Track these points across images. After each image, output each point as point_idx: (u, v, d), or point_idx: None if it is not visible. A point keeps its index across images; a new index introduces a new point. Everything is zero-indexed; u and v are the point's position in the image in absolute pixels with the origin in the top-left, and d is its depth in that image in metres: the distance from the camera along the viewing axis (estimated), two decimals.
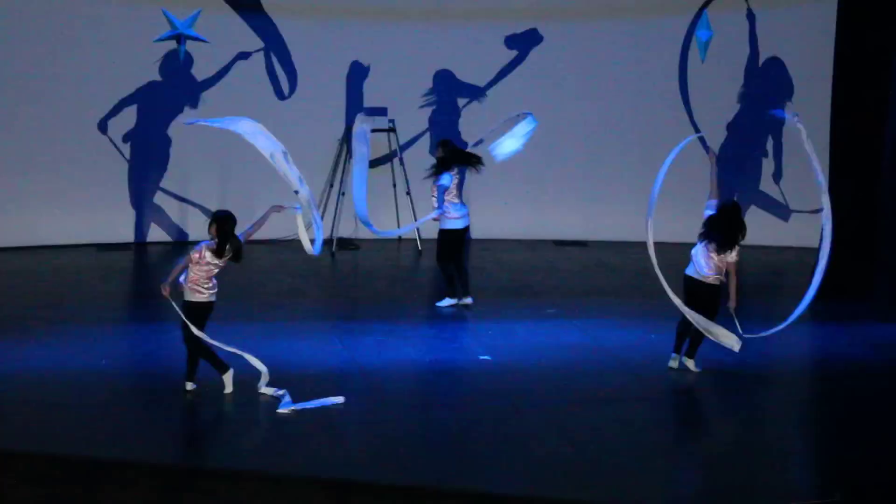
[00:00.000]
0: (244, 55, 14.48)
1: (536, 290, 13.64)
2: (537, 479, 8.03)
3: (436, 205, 12.48)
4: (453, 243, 12.63)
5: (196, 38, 12.44)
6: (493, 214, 15.94)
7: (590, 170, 16.00)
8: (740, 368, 10.48)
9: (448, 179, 12.48)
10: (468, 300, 12.61)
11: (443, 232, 12.65)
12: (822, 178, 10.58)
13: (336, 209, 15.45)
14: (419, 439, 8.94)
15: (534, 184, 15.93)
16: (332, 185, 15.65)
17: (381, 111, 15.25)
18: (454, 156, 12.61)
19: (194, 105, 14.71)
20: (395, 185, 15.67)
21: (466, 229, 12.75)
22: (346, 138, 15.42)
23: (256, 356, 10.25)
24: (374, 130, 15.57)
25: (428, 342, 11.39)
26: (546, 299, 13.03)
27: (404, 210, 15.52)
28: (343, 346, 11.07)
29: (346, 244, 15.57)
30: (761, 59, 15.52)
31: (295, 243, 15.36)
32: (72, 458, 8.29)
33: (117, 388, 9.86)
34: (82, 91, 14.65)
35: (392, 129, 15.56)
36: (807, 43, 14.93)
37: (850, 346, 11.36)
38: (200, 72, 14.88)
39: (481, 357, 10.85)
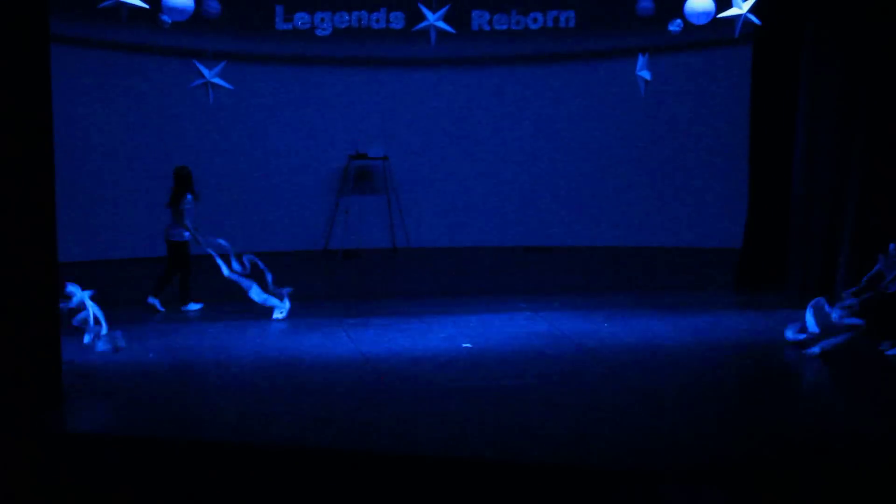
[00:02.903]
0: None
1: (510, 289, 13.56)
2: (514, 445, 8.01)
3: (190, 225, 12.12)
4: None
5: (222, 86, 12.50)
6: (471, 225, 16.08)
7: (555, 186, 16.12)
8: (679, 349, 10.52)
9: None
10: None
11: (183, 244, 12.21)
12: None
13: (343, 225, 15.61)
14: (414, 414, 8.81)
15: (505, 196, 16.10)
16: (337, 205, 15.75)
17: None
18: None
19: None
20: (389, 205, 15.83)
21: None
22: (349, 167, 15.53)
23: (278, 347, 10.51)
24: (373, 158, 15.75)
25: (419, 333, 11.24)
26: (518, 296, 12.98)
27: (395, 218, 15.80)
28: (348, 338, 11.03)
29: (351, 254, 15.65)
30: (693, 93, 15.65)
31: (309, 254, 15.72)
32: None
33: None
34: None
35: (385, 158, 15.69)
36: (729, 77, 15.07)
37: (766, 331, 11.31)
38: (225, 111, 15.02)
39: (464, 345, 10.81)
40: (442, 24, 12.09)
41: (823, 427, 8.42)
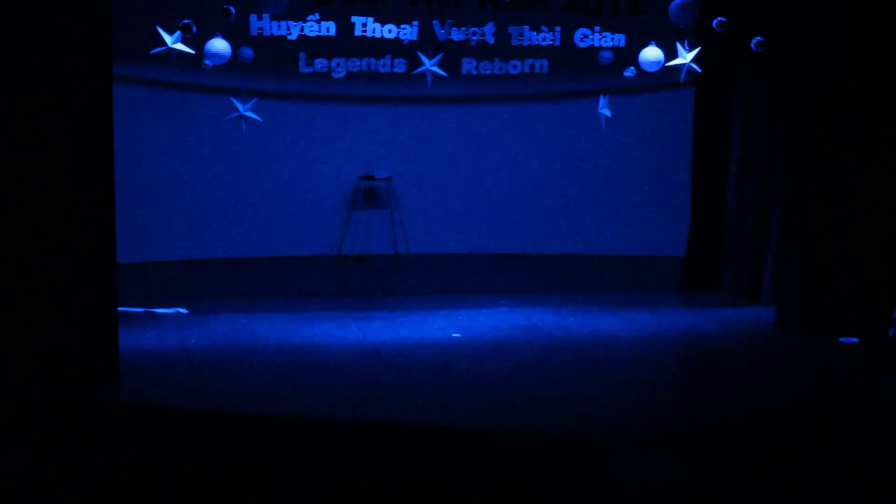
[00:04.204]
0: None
1: (492, 288, 13.51)
2: (494, 417, 8.00)
3: None
4: None
5: (253, 118, 12.63)
6: (459, 234, 16.13)
7: (529, 203, 16.16)
8: (632, 338, 10.53)
9: None
10: None
11: None
12: None
13: (353, 234, 15.66)
14: (412, 390, 8.87)
15: (487, 210, 16.14)
16: (349, 218, 15.84)
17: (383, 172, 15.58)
18: None
19: None
20: (392, 218, 15.89)
21: None
22: (359, 186, 15.61)
23: (300, 334, 10.50)
24: (379, 179, 15.82)
25: (416, 325, 11.28)
26: (498, 294, 13.01)
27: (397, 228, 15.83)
28: (358, 328, 11.07)
29: (361, 258, 15.71)
30: (645, 127, 15.72)
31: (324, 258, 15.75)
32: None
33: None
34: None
35: (389, 179, 15.78)
36: (675, 114, 15.14)
37: (705, 325, 11.37)
38: (255, 140, 15.08)
39: (453, 335, 10.88)
40: (437, 69, 12.42)
41: (755, 402, 8.42)
